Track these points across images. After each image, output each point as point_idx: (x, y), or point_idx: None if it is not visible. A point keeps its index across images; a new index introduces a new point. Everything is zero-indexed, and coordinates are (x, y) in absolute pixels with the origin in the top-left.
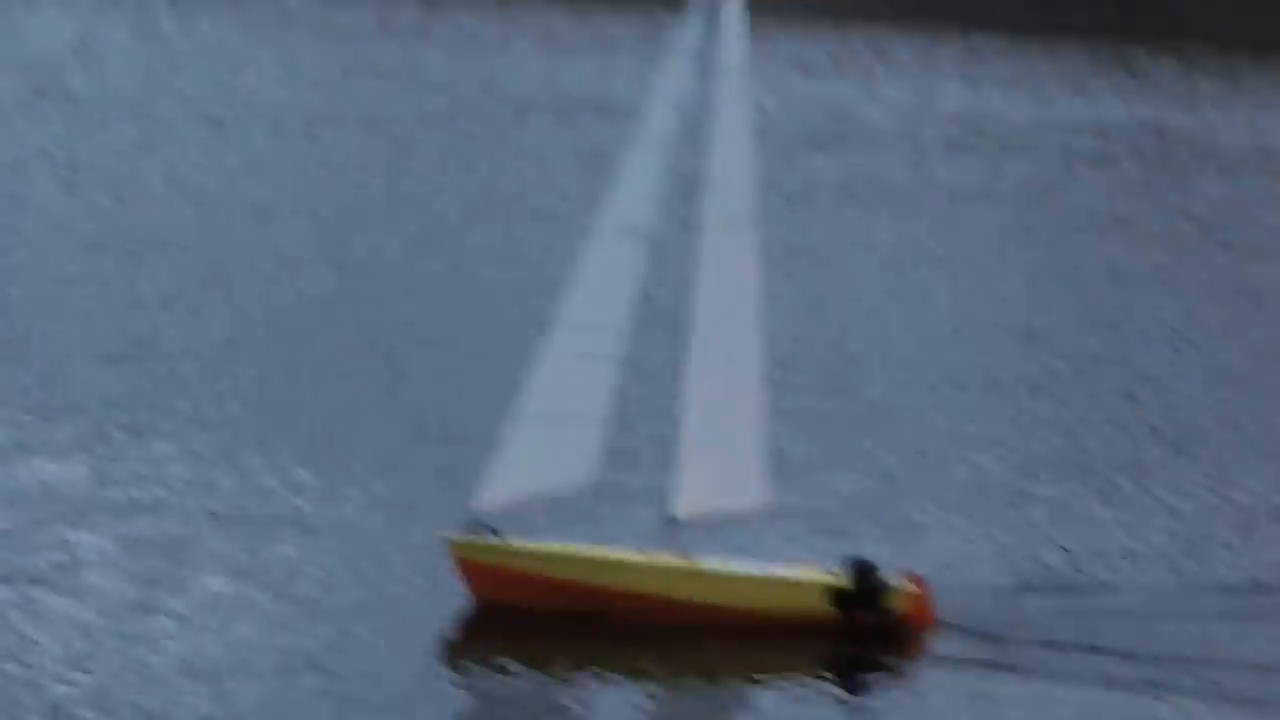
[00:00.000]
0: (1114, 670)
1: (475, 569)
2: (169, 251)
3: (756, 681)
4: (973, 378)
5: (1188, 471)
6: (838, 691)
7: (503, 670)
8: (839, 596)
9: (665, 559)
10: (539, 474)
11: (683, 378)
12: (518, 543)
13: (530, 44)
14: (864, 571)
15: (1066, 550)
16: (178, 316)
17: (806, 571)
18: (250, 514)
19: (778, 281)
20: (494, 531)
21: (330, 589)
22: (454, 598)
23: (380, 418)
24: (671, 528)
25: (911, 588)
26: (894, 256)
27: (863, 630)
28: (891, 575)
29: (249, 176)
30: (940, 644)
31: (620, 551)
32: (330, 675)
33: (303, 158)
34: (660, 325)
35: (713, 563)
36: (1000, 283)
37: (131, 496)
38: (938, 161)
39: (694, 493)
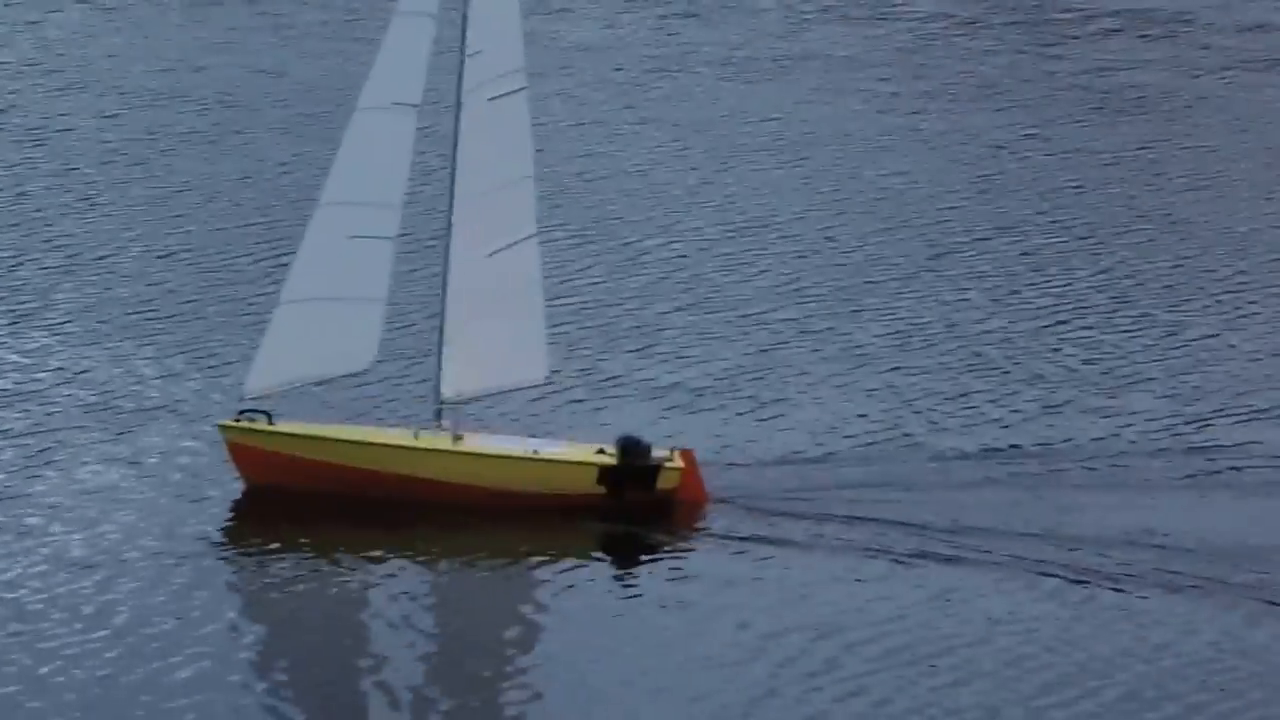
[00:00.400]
0: (882, 539)
1: (245, 453)
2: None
3: (528, 560)
4: (849, 249)
5: (1056, 341)
6: (609, 567)
7: (277, 554)
8: (609, 474)
9: (436, 441)
10: (313, 358)
11: (446, 256)
12: (287, 426)
13: None
14: (632, 449)
15: (881, 420)
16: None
17: (577, 451)
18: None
19: (659, 151)
20: (267, 416)
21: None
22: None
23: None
24: (445, 409)
25: (680, 463)
26: (771, 127)
27: (633, 506)
28: (662, 452)
29: (140, 62)
30: (712, 518)
31: (392, 434)
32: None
33: (186, 42)
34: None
35: (483, 444)
36: (877, 154)
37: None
38: (814, 30)
39: (462, 373)
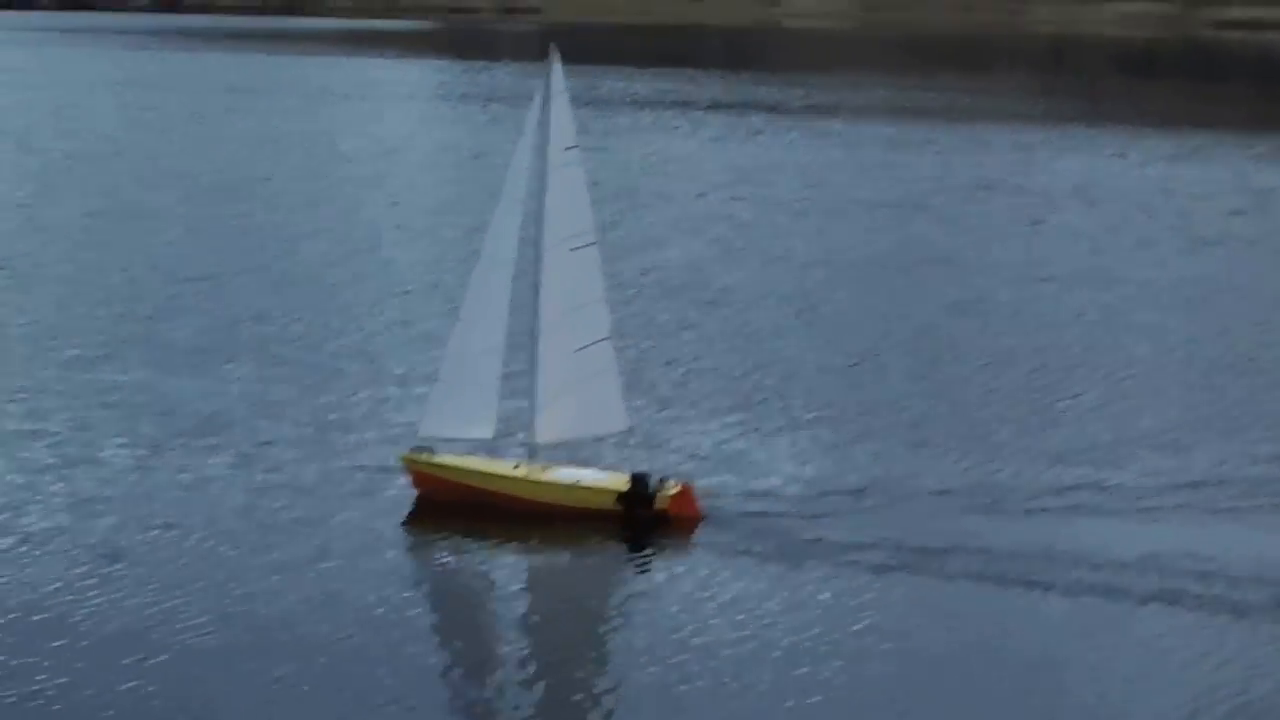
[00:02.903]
0: (859, 557)
1: (420, 476)
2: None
3: (575, 552)
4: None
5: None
6: (625, 565)
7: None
8: (622, 497)
9: (525, 471)
10: (475, 418)
11: (537, 339)
12: (441, 458)
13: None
14: (638, 478)
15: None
16: None
17: (607, 479)
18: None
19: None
20: (430, 450)
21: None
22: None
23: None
24: (537, 449)
25: (677, 490)
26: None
27: (640, 521)
28: (665, 481)
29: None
30: (705, 533)
31: (500, 464)
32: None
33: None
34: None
35: (549, 475)
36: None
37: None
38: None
39: (552, 424)
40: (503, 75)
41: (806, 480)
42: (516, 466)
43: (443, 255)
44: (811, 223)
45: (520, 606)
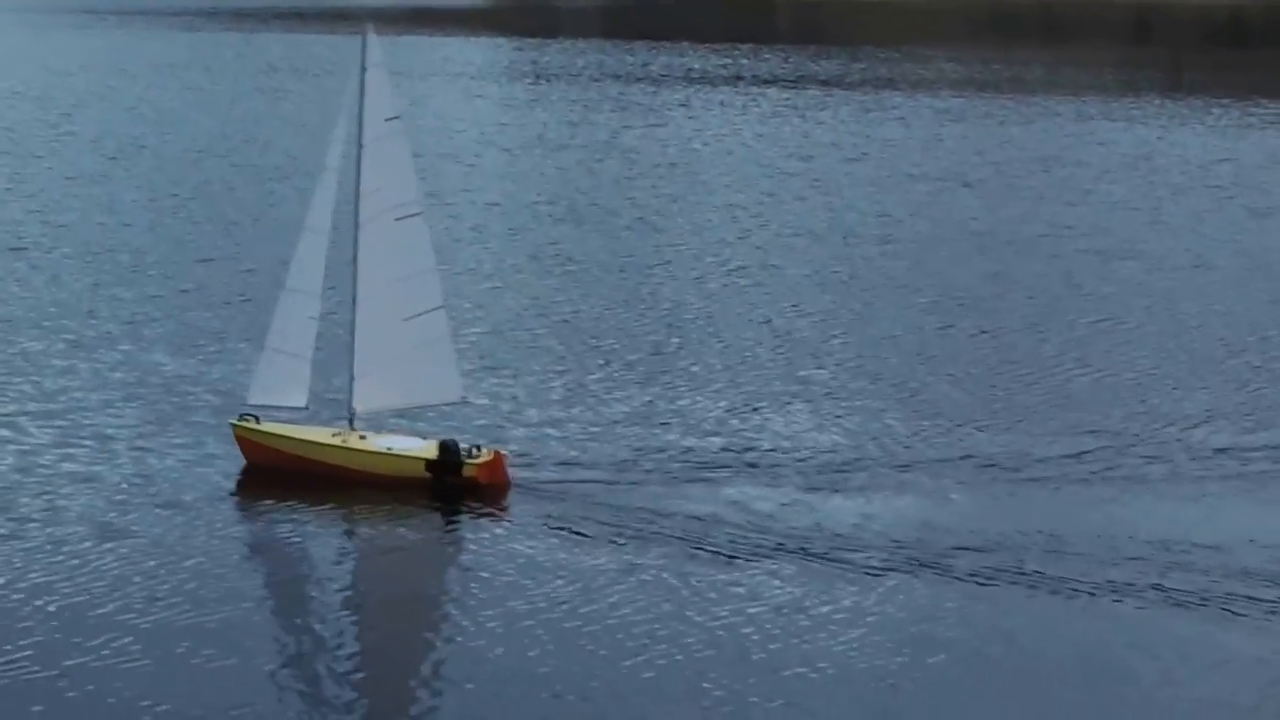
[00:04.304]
0: (649, 528)
1: (247, 444)
2: None
3: (385, 521)
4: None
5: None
6: (436, 529)
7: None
8: (431, 464)
9: (346, 438)
10: (291, 387)
11: (355, 308)
12: (266, 425)
13: None
14: (447, 446)
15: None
16: None
17: (415, 446)
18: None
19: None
20: (256, 418)
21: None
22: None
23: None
24: (356, 417)
25: (487, 458)
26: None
27: (449, 489)
28: (475, 449)
29: None
30: (513, 500)
31: (319, 432)
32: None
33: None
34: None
35: (366, 441)
36: None
37: None
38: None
39: (373, 392)
40: (559, 54)
41: (626, 450)
42: (336, 434)
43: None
44: (834, 198)
45: (325, 576)
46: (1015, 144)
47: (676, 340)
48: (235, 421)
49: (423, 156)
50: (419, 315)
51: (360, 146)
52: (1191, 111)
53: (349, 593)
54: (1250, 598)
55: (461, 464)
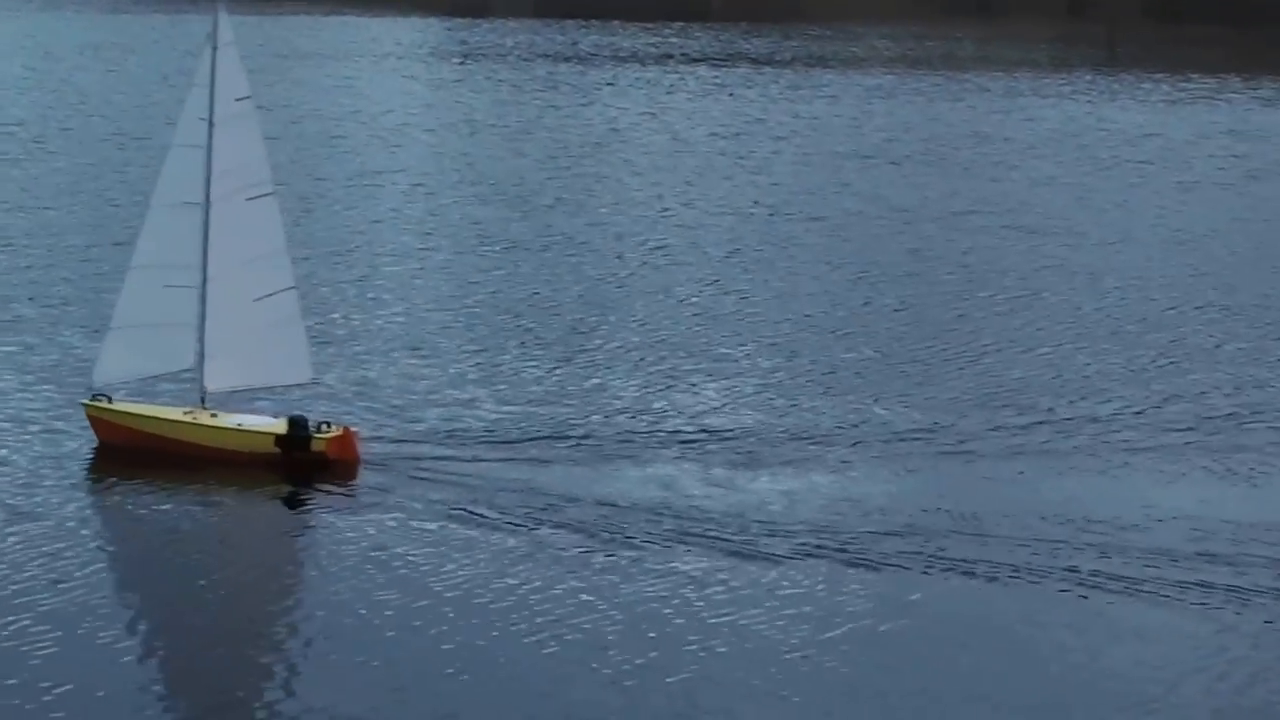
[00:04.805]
0: (524, 503)
1: (99, 423)
2: None
3: (236, 497)
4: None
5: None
6: (286, 503)
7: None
8: (280, 440)
9: (196, 415)
10: (140, 361)
11: (206, 287)
12: (119, 405)
13: None
14: (296, 423)
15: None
16: None
17: (264, 422)
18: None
19: None
20: (108, 397)
21: None
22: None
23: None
24: (207, 395)
25: (337, 434)
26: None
27: (299, 464)
28: (324, 425)
29: None
30: (364, 475)
31: (171, 411)
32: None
33: None
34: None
35: (216, 419)
36: None
37: None
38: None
39: (224, 371)
40: (488, 33)
41: (483, 425)
42: (188, 413)
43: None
44: (761, 176)
45: (173, 556)
46: (943, 120)
47: (595, 319)
48: (86, 402)
49: (346, 139)
50: (270, 296)
51: (211, 126)
52: (1122, 87)
53: (199, 571)
54: (1164, 576)
55: (310, 439)
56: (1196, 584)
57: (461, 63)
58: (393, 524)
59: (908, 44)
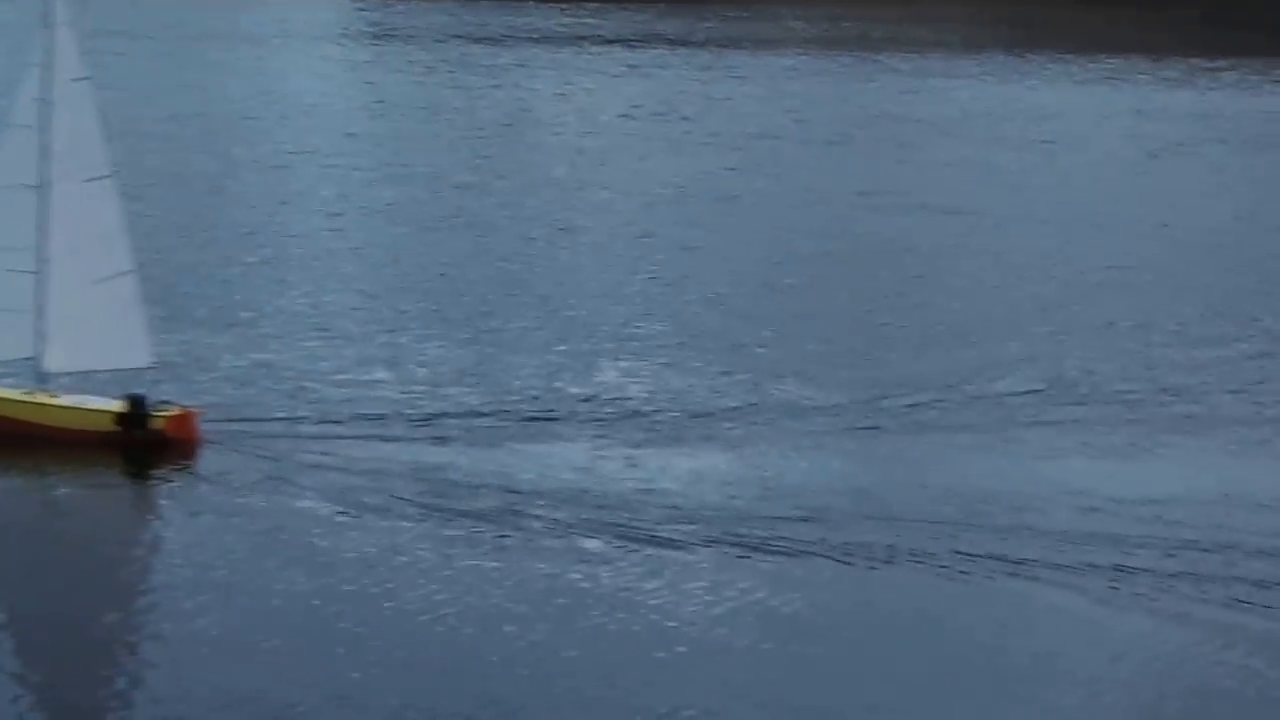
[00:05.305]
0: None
1: None
2: None
3: (77, 474)
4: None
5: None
6: (126, 484)
7: None
8: (120, 418)
9: (38, 395)
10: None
11: (45, 268)
12: None
13: None
14: (135, 401)
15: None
16: None
17: (103, 401)
18: None
19: None
20: None
21: None
22: None
23: None
24: (46, 376)
25: (176, 413)
26: None
27: (138, 442)
28: (163, 404)
29: None
30: (204, 455)
31: (13, 391)
32: None
33: None
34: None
35: (57, 398)
36: None
37: None
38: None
39: (64, 353)
40: (401, 15)
41: (324, 402)
42: (28, 393)
43: None
44: (671, 157)
45: (7, 529)
46: (854, 101)
47: (496, 298)
48: None
49: (258, 119)
50: (109, 279)
51: (48, 105)
52: (1031, 67)
53: (39, 554)
54: (1056, 559)
55: (148, 417)
56: (1088, 565)
57: (374, 43)
58: (223, 503)
59: (823, 25)
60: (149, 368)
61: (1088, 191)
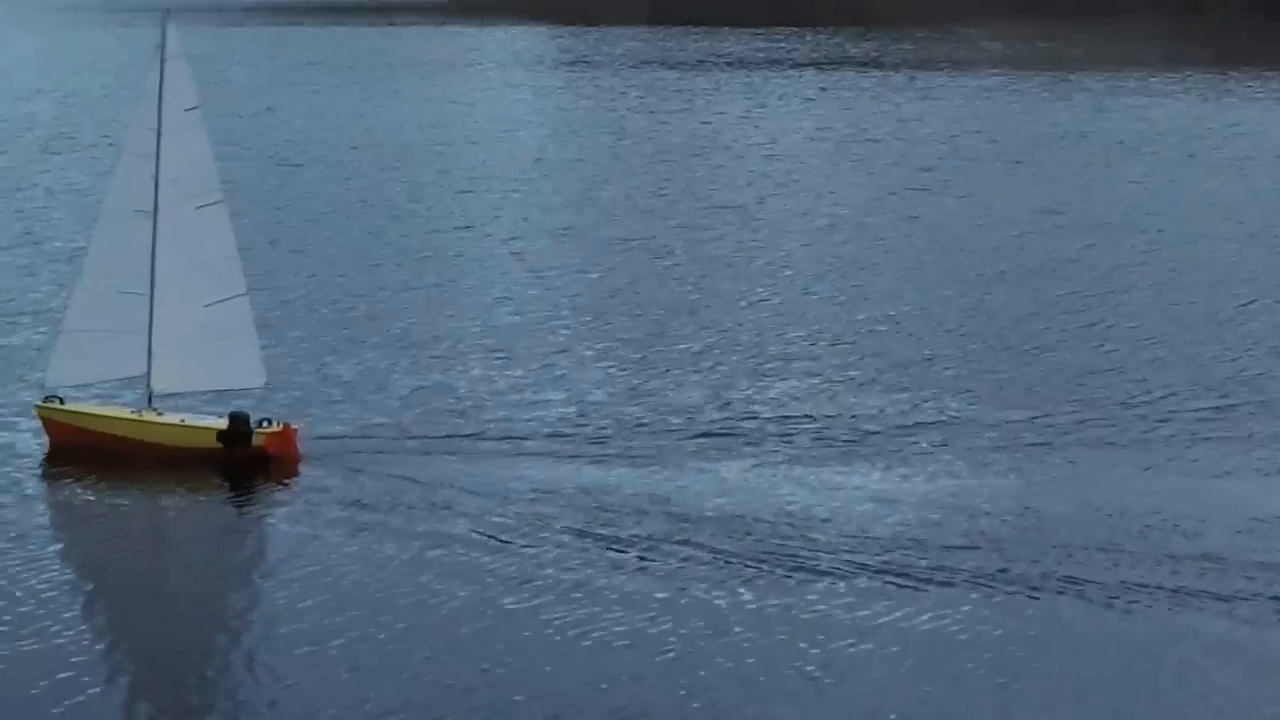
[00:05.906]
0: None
1: (51, 425)
2: None
3: (181, 493)
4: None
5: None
6: (231, 497)
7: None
8: (222, 436)
9: (143, 414)
10: (93, 366)
11: (154, 292)
12: (71, 405)
13: None
14: (236, 417)
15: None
16: None
17: (207, 420)
18: None
19: None
20: (60, 399)
21: None
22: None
23: None
24: (154, 396)
25: (277, 430)
26: None
27: (240, 460)
28: (265, 421)
29: None
30: (306, 471)
31: (120, 410)
32: None
33: None
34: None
35: (159, 418)
36: None
37: None
38: None
39: (173, 374)
40: (597, 42)
41: (421, 422)
42: (135, 412)
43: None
44: (847, 180)
45: (123, 551)
46: (1045, 120)
47: (676, 321)
48: (39, 404)
49: (448, 145)
50: (220, 302)
51: (160, 135)
52: (1231, 84)
53: (148, 568)
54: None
55: (250, 434)
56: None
57: (568, 70)
58: (328, 522)
59: (1015, 45)
60: (262, 388)
61: (1275, 211)
